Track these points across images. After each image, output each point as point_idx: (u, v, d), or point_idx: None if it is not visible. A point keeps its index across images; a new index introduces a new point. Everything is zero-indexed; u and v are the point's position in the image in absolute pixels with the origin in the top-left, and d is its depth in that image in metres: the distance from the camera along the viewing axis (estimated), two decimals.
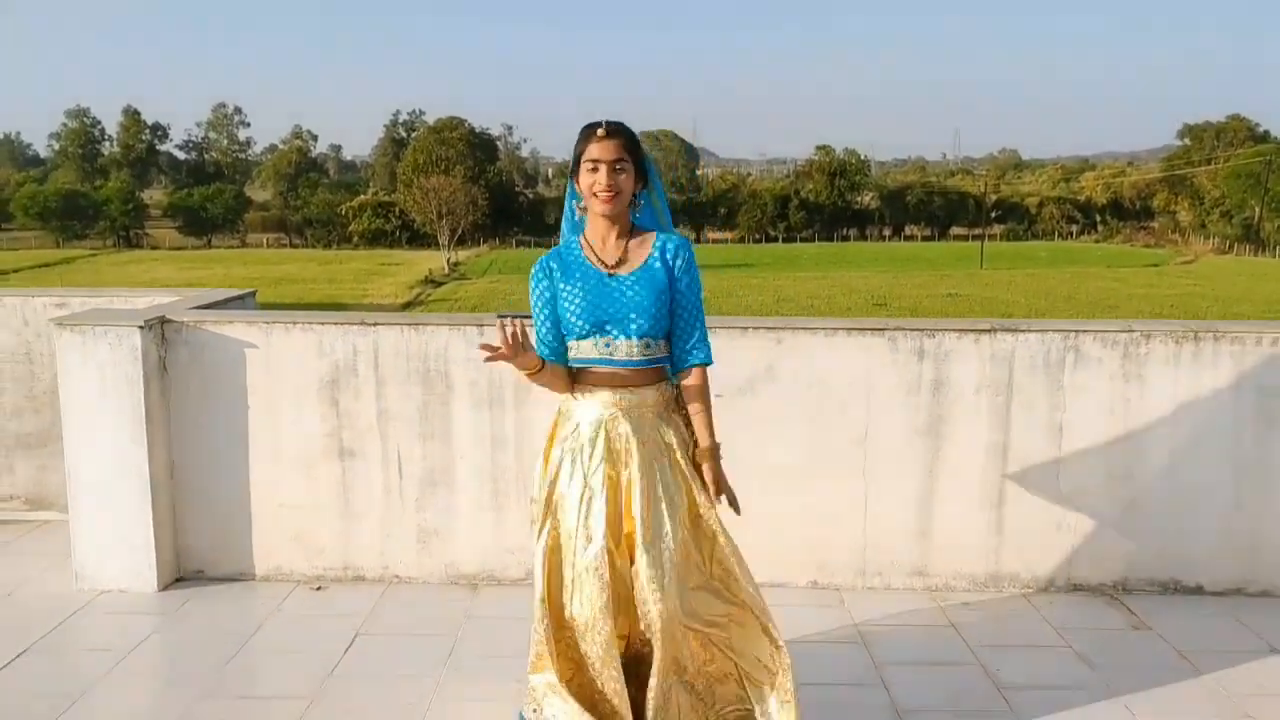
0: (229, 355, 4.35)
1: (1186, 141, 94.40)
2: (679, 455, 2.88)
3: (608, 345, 2.80)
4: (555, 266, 2.87)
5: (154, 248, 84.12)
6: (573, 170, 2.84)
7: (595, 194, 2.78)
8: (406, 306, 42.40)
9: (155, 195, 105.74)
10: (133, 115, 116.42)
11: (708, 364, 2.90)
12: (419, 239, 75.24)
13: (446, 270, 59.01)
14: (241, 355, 4.34)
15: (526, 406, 4.36)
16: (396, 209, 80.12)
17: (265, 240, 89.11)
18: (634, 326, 2.78)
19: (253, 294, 5.31)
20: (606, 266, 2.82)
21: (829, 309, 37.96)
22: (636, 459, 2.81)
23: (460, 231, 68.16)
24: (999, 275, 56.01)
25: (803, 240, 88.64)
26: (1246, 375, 4.25)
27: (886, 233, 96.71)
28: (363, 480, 4.44)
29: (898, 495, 4.39)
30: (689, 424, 2.95)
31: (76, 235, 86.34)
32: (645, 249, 2.84)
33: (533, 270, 2.90)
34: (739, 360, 4.24)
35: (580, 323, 2.80)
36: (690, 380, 2.91)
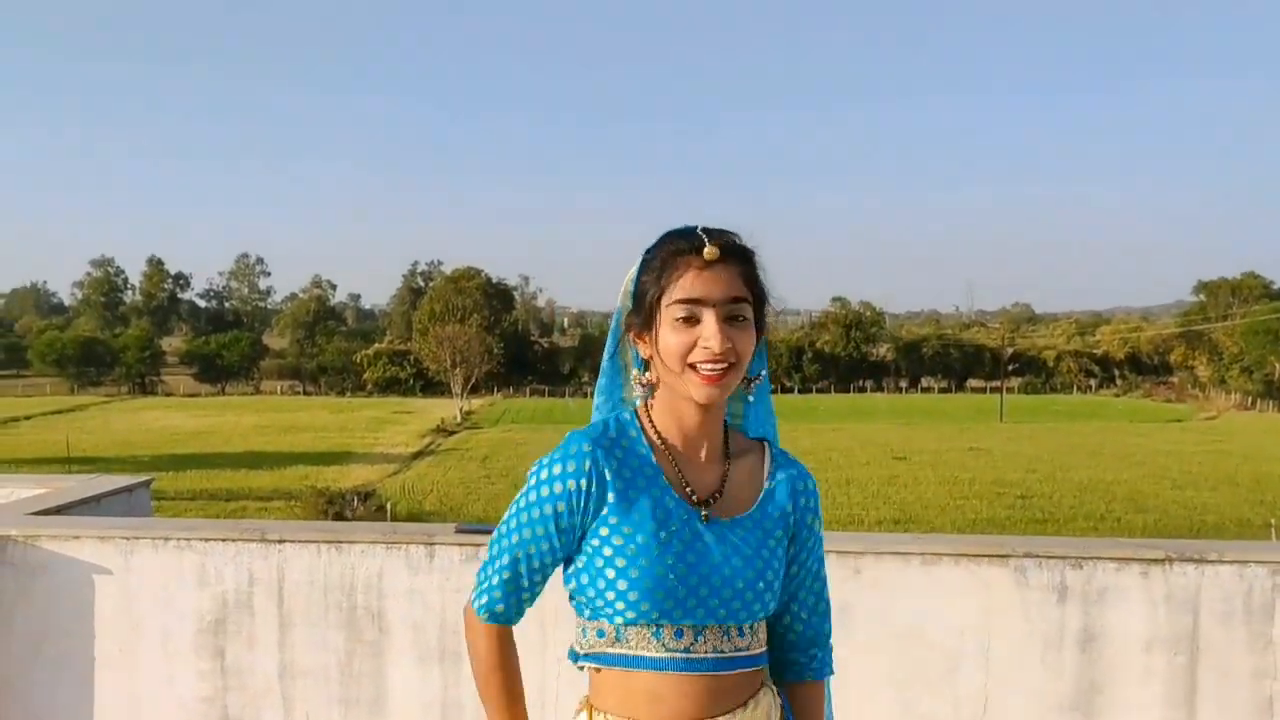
0: (74, 585, 3.10)
1: (1202, 297, 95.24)
2: None
3: (680, 634, 1.52)
4: (609, 472, 1.53)
5: (168, 394, 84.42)
6: (637, 310, 1.56)
7: (694, 365, 1.48)
8: (418, 455, 41.93)
9: (174, 343, 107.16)
10: (156, 264, 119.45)
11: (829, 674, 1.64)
12: (433, 387, 75.42)
13: (459, 419, 58.70)
14: (90, 585, 3.10)
15: None
16: (411, 357, 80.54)
17: (279, 387, 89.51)
18: (739, 603, 1.53)
19: (146, 484, 4.06)
20: (697, 499, 1.54)
21: (847, 462, 36.94)
22: None
23: (474, 380, 68.15)
24: (1020, 429, 55.29)
25: (818, 391, 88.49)
26: None
27: (903, 384, 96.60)
28: None
29: None
30: None
31: (93, 382, 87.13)
32: (758, 471, 1.63)
33: (545, 463, 1.55)
34: None
35: (646, 605, 1.50)
36: (807, 692, 1.65)
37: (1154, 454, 42.84)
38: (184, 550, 3.10)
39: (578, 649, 1.58)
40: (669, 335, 1.49)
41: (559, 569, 1.58)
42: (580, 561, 1.54)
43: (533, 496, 1.53)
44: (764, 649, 1.59)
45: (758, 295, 1.54)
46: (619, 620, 1.52)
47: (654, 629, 1.51)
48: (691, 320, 1.48)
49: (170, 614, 3.11)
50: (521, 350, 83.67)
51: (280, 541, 3.09)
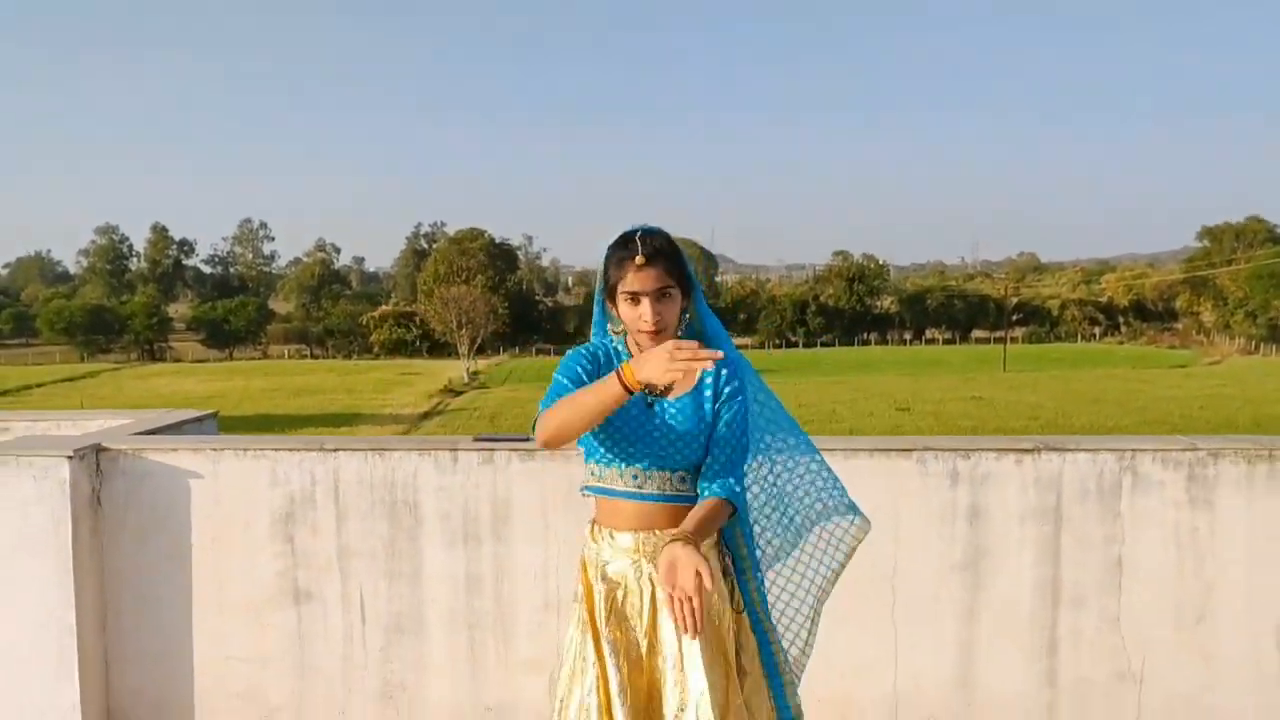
0: (172, 487, 3.86)
1: (1206, 243, 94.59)
2: (713, 612, 2.37)
3: (636, 478, 2.38)
4: (603, 361, 2.45)
5: (177, 360, 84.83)
6: (604, 290, 2.43)
7: (640, 330, 2.36)
8: (425, 416, 42.26)
9: (180, 309, 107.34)
10: (160, 231, 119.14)
11: (728, 499, 2.35)
12: (439, 348, 75.62)
13: (466, 379, 58.99)
14: (186, 487, 3.86)
15: (506, 542, 3.84)
16: (417, 319, 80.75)
17: (286, 351, 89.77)
18: (673, 460, 2.37)
19: (213, 416, 4.85)
20: (655, 391, 2.38)
21: (851, 414, 37.39)
22: (665, 614, 2.33)
23: (480, 340, 68.45)
24: (1023, 378, 55.47)
25: (823, 345, 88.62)
26: None
27: (907, 336, 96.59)
28: (320, 627, 3.90)
29: (933, 642, 3.80)
30: (727, 572, 2.46)
31: (101, 349, 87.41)
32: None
33: (569, 353, 2.47)
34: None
35: (612, 455, 2.38)
36: (703, 503, 2.37)
37: (1156, 400, 43.12)
38: (259, 458, 3.87)
39: (584, 484, 2.45)
40: (624, 308, 2.37)
41: None
42: None
43: (566, 360, 2.42)
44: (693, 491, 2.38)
45: (681, 273, 2.38)
46: (599, 463, 2.41)
47: (619, 470, 2.38)
48: (636, 300, 2.34)
49: (250, 509, 3.88)
50: (526, 310, 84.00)
51: (335, 450, 3.86)
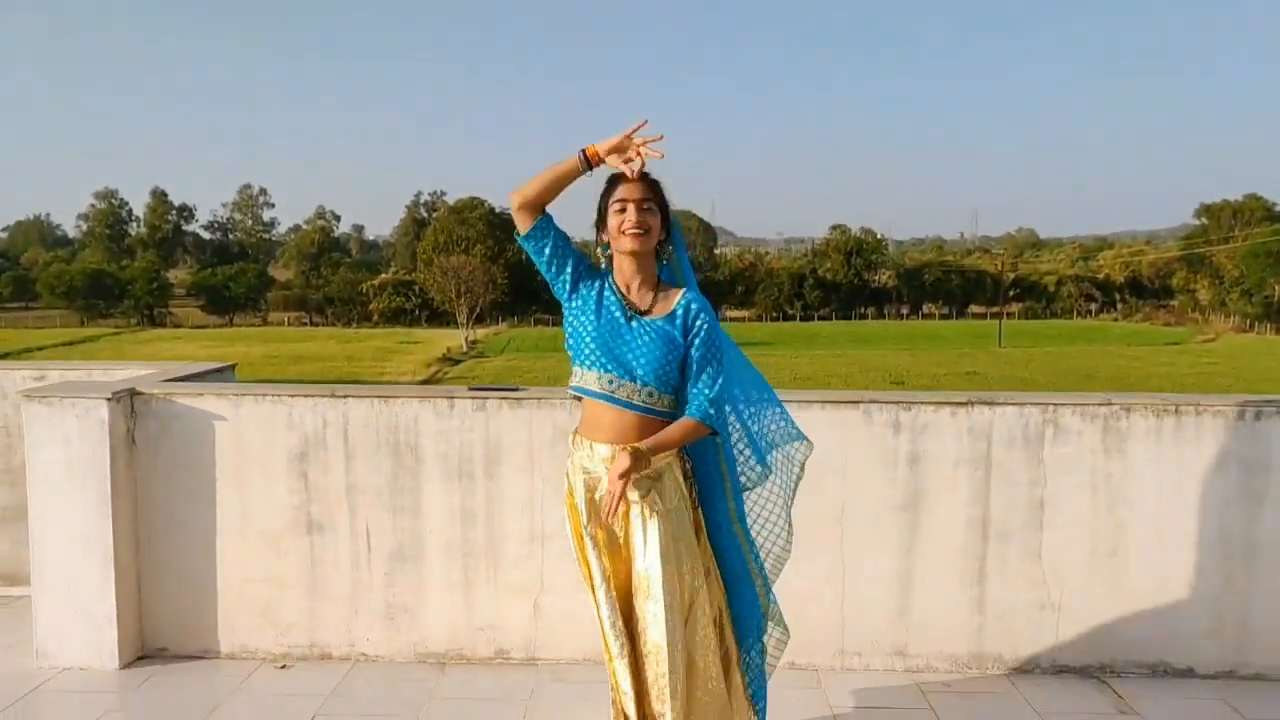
0: (198, 428, 4.32)
1: (1204, 221, 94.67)
2: (685, 509, 2.89)
3: (612, 383, 2.83)
4: (585, 270, 2.96)
5: (177, 326, 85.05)
6: (599, 221, 2.91)
7: (624, 231, 2.84)
8: (424, 384, 42.56)
9: (180, 275, 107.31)
10: (160, 196, 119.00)
11: (701, 420, 2.82)
12: (438, 317, 75.94)
13: (465, 348, 59.34)
14: (210, 428, 4.32)
15: (496, 480, 4.30)
16: (416, 287, 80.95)
17: (286, 319, 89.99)
18: (640, 373, 2.82)
19: (231, 368, 5.31)
20: (634, 309, 2.87)
21: (847, 387, 37.81)
22: (636, 516, 2.83)
23: (479, 310, 68.73)
24: (1018, 353, 55.86)
25: (820, 318, 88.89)
26: (1230, 450, 4.15)
27: (904, 311, 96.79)
28: (331, 555, 4.37)
29: (876, 572, 4.27)
30: (691, 484, 2.95)
31: (101, 314, 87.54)
32: (670, 303, 2.89)
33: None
34: None
35: (591, 354, 2.85)
36: (679, 420, 2.85)
37: (1147, 376, 43.50)
38: (277, 403, 4.32)
39: (570, 384, 2.94)
40: (611, 218, 2.88)
41: (557, 267, 2.94)
42: (565, 324, 2.93)
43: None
44: (666, 409, 2.86)
45: (662, 204, 2.89)
46: (581, 365, 2.89)
47: (596, 373, 2.87)
48: (624, 208, 2.85)
49: (268, 448, 4.34)
50: (525, 280, 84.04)
51: (345, 397, 4.31)
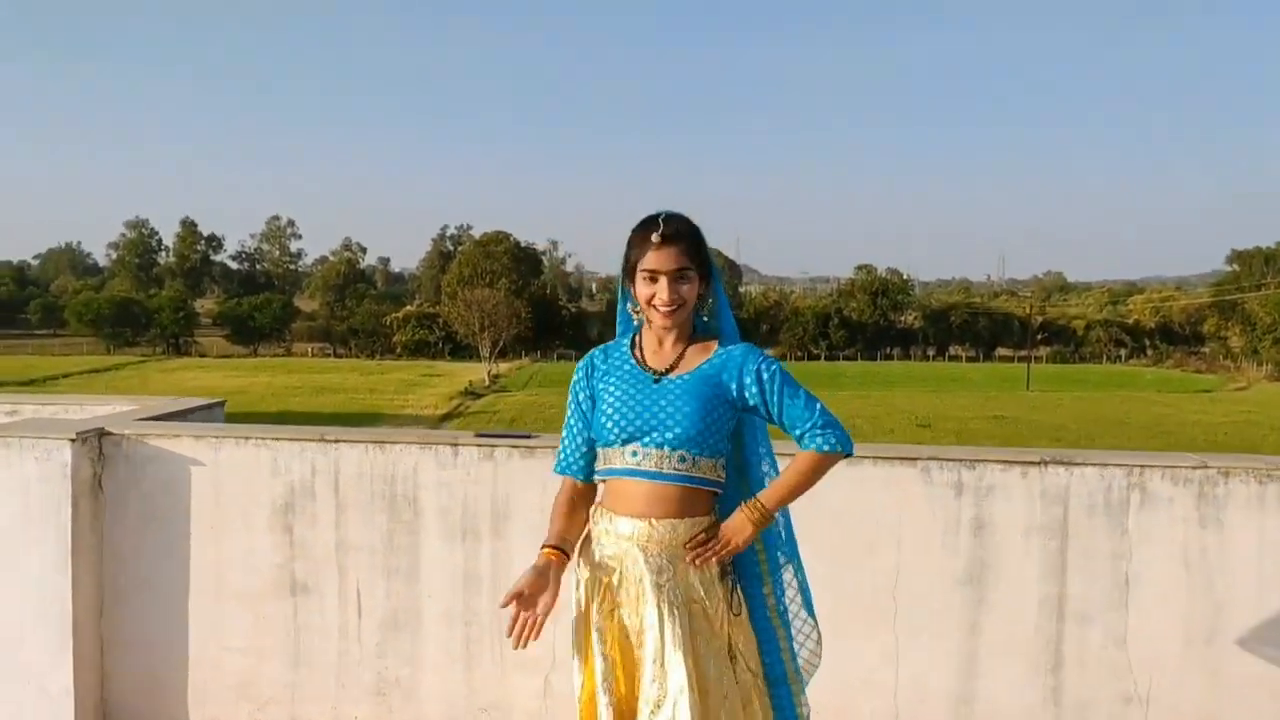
0: (173, 474, 3.87)
1: (1235, 267, 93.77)
2: (709, 611, 2.38)
3: (636, 454, 2.37)
4: (599, 364, 2.52)
5: (201, 355, 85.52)
6: (625, 273, 2.45)
7: (654, 307, 2.39)
8: (446, 418, 42.49)
9: (207, 304, 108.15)
10: (189, 226, 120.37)
11: (830, 451, 2.41)
12: (461, 350, 75.88)
13: (487, 382, 59.18)
14: (186, 474, 3.86)
15: (505, 539, 3.82)
16: (440, 320, 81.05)
17: (310, 349, 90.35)
18: (671, 434, 2.34)
19: (221, 404, 4.86)
20: (655, 372, 2.43)
21: (873, 430, 37.19)
22: (651, 606, 2.32)
23: (502, 344, 68.61)
24: (1047, 398, 55.02)
25: (845, 359, 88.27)
26: None
27: (930, 352, 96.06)
28: (316, 621, 3.89)
29: (935, 655, 3.74)
30: (726, 573, 2.45)
31: (128, 342, 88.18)
32: (704, 356, 2.44)
33: (578, 367, 2.56)
34: None
35: (614, 427, 2.39)
36: (797, 456, 2.44)
37: (1181, 424, 42.65)
38: (260, 447, 3.86)
39: (595, 471, 2.48)
40: (640, 288, 2.40)
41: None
42: (596, 412, 2.45)
43: (571, 389, 2.53)
44: (705, 476, 2.38)
45: (701, 257, 2.42)
46: (603, 445, 2.43)
47: (619, 448, 2.39)
48: (653, 279, 2.37)
49: (249, 498, 3.87)
50: (549, 314, 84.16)
51: (336, 442, 3.85)
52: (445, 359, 77.92)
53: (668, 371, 2.42)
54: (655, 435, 2.35)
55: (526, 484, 3.81)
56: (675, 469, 2.35)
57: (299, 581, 3.88)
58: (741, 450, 2.52)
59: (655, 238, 2.34)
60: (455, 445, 3.82)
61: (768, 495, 2.43)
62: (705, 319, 2.52)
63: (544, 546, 2.46)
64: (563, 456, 2.54)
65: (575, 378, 2.52)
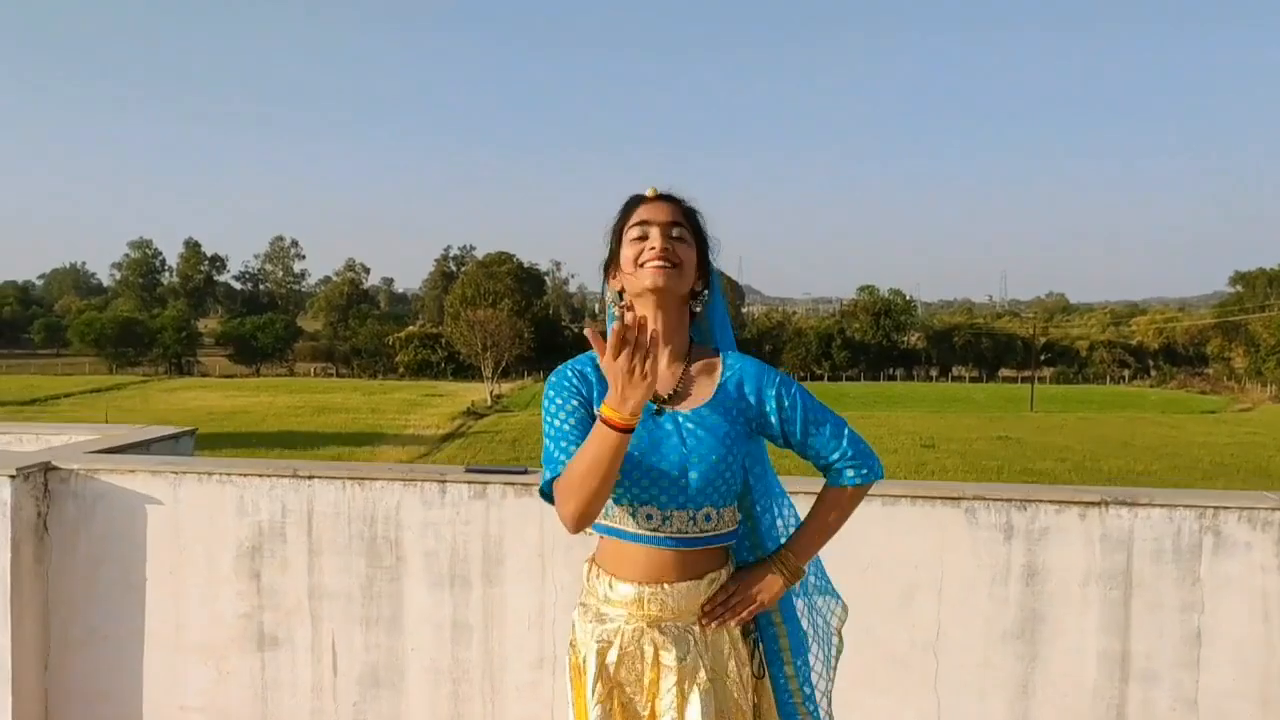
0: (127, 513, 3.47)
1: (1239, 288, 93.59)
2: (736, 678, 1.98)
3: (651, 518, 1.91)
4: (594, 379, 2.00)
5: (204, 375, 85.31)
6: (609, 260, 2.02)
7: (643, 264, 1.92)
8: (448, 438, 42.16)
9: (210, 324, 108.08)
10: (193, 247, 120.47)
11: (861, 484, 2.03)
12: (464, 370, 75.66)
13: (490, 402, 58.90)
14: (142, 513, 3.46)
15: (497, 585, 3.41)
16: (443, 340, 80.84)
17: (312, 369, 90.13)
18: (693, 490, 1.91)
19: (190, 433, 4.45)
20: (657, 399, 1.95)
21: (876, 450, 36.70)
22: (670, 692, 1.92)
23: (505, 364, 68.37)
24: (1051, 419, 54.68)
25: (848, 379, 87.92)
26: None
27: (933, 373, 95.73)
28: (287, 676, 3.49)
29: (981, 717, 3.32)
30: (748, 632, 2.05)
31: (130, 362, 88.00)
32: (713, 376, 2.01)
33: (554, 378, 2.04)
34: None
35: (622, 486, 1.92)
36: (824, 493, 2.05)
37: (1186, 445, 42.28)
38: (225, 484, 3.47)
39: (594, 524, 1.97)
40: (627, 249, 1.96)
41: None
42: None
43: (552, 393, 1.99)
44: (731, 528, 1.98)
45: (698, 233, 1.99)
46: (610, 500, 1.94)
47: (630, 509, 1.93)
48: (643, 237, 1.94)
49: (213, 540, 3.48)
50: (552, 335, 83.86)
51: (310, 478, 3.45)
52: (448, 379, 77.66)
53: (672, 399, 1.96)
54: (675, 495, 1.91)
55: (522, 525, 3.40)
56: (701, 531, 1.93)
57: (267, 633, 3.47)
58: (748, 487, 2.08)
59: (651, 190, 1.99)
60: (443, 482, 3.41)
61: (798, 546, 2.02)
62: (698, 322, 2.07)
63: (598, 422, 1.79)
64: (558, 455, 1.93)
65: (562, 382, 2.00)
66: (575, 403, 1.96)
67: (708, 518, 1.93)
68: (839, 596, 2.26)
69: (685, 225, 1.97)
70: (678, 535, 1.91)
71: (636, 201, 1.99)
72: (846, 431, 2.00)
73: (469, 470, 3.47)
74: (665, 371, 1.98)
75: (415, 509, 3.42)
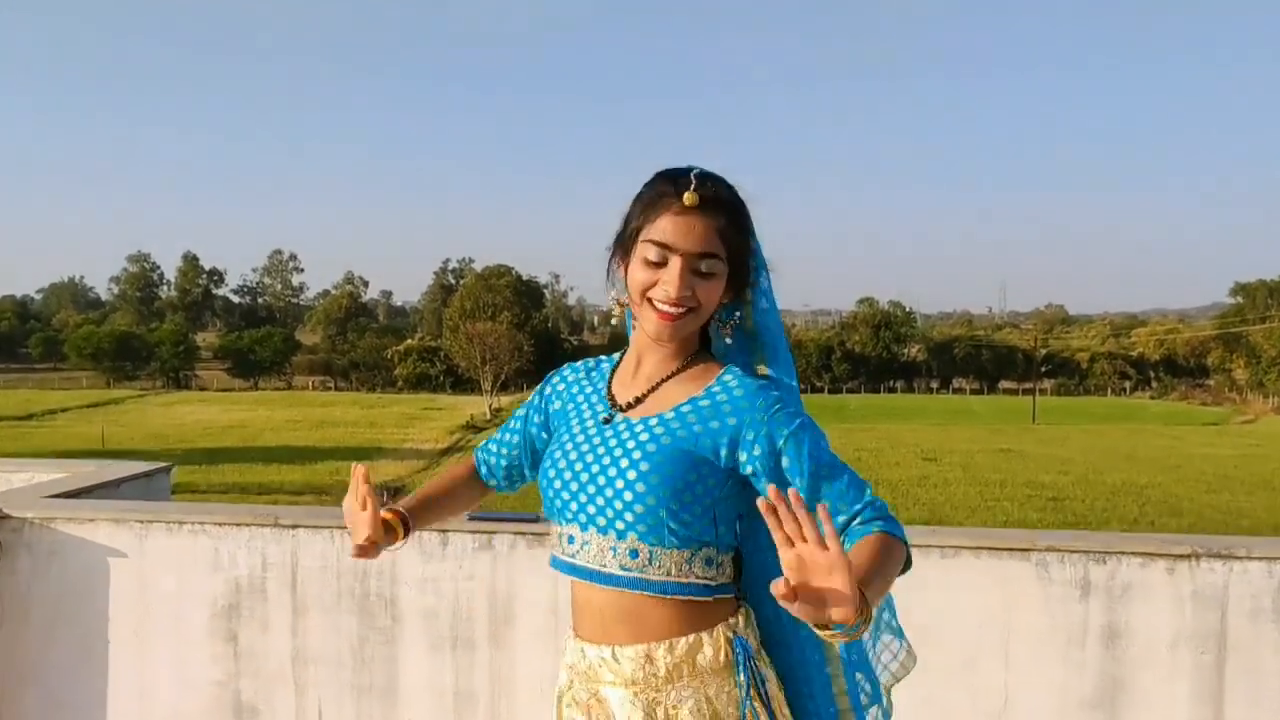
0: (88, 568, 3.11)
1: (1239, 299, 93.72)
2: None
3: (572, 539, 1.59)
4: (571, 380, 1.77)
5: (202, 389, 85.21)
6: (620, 240, 1.61)
7: (651, 299, 1.55)
8: (447, 451, 42.06)
9: (208, 338, 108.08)
10: (191, 260, 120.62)
11: (906, 544, 1.51)
12: (463, 384, 75.63)
13: (489, 415, 58.74)
14: (105, 567, 3.10)
15: (505, 649, 3.05)
16: (442, 354, 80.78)
17: (311, 383, 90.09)
18: (613, 510, 1.53)
19: (166, 470, 4.07)
20: (613, 404, 1.64)
21: (877, 463, 36.60)
22: None
23: (504, 377, 68.25)
24: (1053, 431, 54.51)
25: (848, 391, 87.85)
26: None
27: (934, 385, 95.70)
28: None
29: None
30: (759, 697, 1.57)
31: (128, 376, 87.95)
32: (692, 388, 1.60)
33: (545, 380, 1.87)
34: None
35: (548, 488, 1.63)
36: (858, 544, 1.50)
37: (1189, 457, 42.12)
38: (198, 534, 3.10)
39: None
40: (636, 270, 1.55)
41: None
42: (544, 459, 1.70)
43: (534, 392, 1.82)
44: (678, 580, 1.52)
45: (736, 249, 1.56)
46: (548, 514, 1.65)
47: (558, 525, 1.61)
48: (660, 263, 1.52)
49: (184, 598, 3.12)
50: (551, 348, 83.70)
51: (294, 527, 3.08)
52: (447, 392, 77.58)
53: (632, 407, 1.60)
54: (592, 513, 1.54)
55: (534, 579, 3.04)
56: (624, 568, 1.52)
57: (245, 702, 3.11)
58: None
59: (688, 197, 1.51)
60: (444, 532, 3.05)
61: (870, 584, 1.43)
62: (727, 340, 1.67)
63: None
64: (485, 444, 1.90)
65: (543, 388, 1.82)
66: (531, 413, 1.80)
67: (634, 551, 1.51)
68: (904, 637, 1.85)
69: (721, 247, 1.54)
70: (597, 567, 1.53)
71: (667, 198, 1.54)
72: (868, 489, 1.55)
73: (472, 518, 3.09)
74: (647, 371, 1.62)
75: (413, 562, 3.05)
